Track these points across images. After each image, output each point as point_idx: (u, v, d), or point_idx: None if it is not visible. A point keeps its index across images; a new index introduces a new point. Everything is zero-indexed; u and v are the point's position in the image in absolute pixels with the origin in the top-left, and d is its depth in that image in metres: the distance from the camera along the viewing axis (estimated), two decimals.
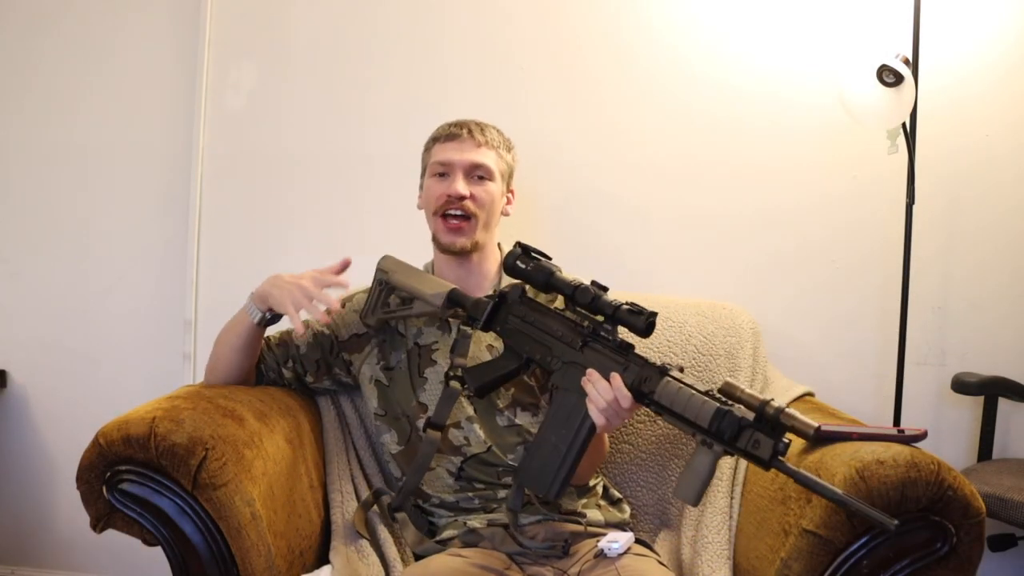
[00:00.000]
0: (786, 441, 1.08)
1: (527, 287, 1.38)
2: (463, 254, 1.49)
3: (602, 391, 1.19)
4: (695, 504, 1.13)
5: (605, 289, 1.27)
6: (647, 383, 1.18)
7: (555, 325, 1.31)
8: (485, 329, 1.37)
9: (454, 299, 1.40)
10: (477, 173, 1.49)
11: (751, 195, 1.96)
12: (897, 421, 1.81)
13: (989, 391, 1.85)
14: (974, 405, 1.90)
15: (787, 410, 1.06)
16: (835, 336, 1.95)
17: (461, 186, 1.46)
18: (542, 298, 1.44)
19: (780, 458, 1.08)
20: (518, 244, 1.35)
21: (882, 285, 1.92)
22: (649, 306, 1.71)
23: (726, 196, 1.97)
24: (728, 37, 1.95)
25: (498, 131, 1.54)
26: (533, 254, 1.34)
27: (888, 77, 1.70)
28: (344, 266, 1.44)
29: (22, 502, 2.21)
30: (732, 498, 1.46)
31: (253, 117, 2.11)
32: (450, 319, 1.48)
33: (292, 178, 2.10)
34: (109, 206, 2.16)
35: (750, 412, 1.10)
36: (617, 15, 1.99)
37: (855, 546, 1.13)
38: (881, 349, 1.92)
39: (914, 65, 1.77)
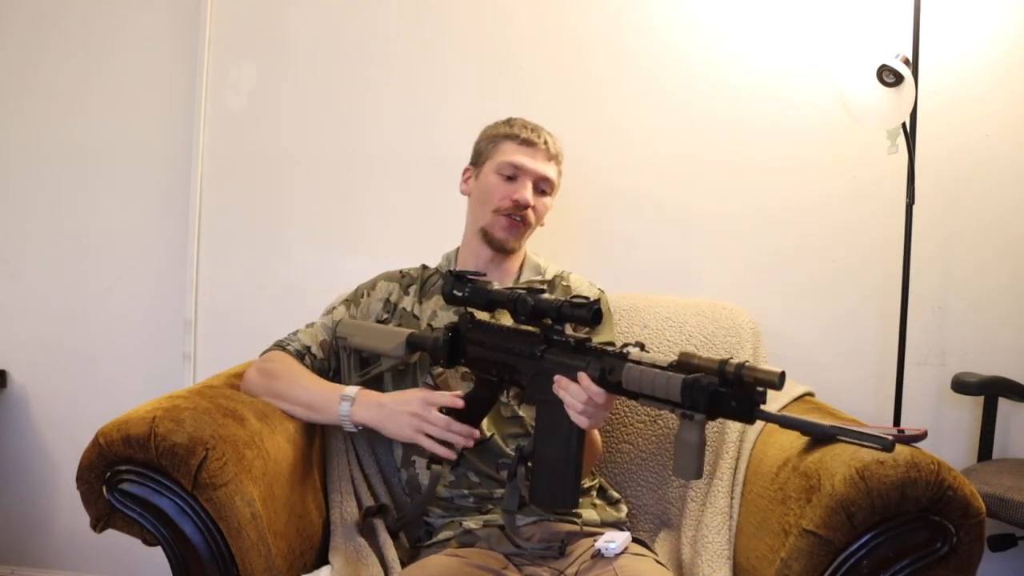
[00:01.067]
0: (760, 390, 1.03)
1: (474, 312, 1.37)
2: (509, 252, 1.53)
3: (574, 394, 1.17)
4: (698, 477, 1.09)
5: (542, 291, 1.24)
6: (612, 373, 1.14)
7: (511, 342, 1.29)
8: (450, 366, 1.38)
9: (413, 343, 1.42)
10: (542, 186, 1.53)
11: (751, 195, 1.96)
12: (897, 421, 1.81)
13: (989, 391, 1.85)
14: (974, 405, 1.90)
15: (747, 364, 1.01)
16: (835, 336, 1.95)
17: (531, 195, 1.50)
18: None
19: (761, 407, 1.03)
20: (450, 272, 1.34)
21: (882, 285, 1.92)
22: (649, 306, 1.74)
23: (726, 196, 1.97)
24: (728, 37, 1.95)
25: (560, 145, 1.58)
26: (468, 278, 1.33)
27: (888, 77, 1.70)
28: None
29: (22, 502, 2.21)
30: (732, 498, 1.46)
31: (253, 117, 2.11)
32: (455, 292, 1.43)
33: (292, 178, 2.10)
34: (109, 206, 2.16)
35: (714, 376, 1.06)
36: (617, 15, 1.99)
37: (855, 546, 1.13)
38: (881, 349, 1.93)
39: (914, 65, 1.77)
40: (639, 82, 1.99)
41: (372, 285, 1.59)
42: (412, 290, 1.57)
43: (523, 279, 1.57)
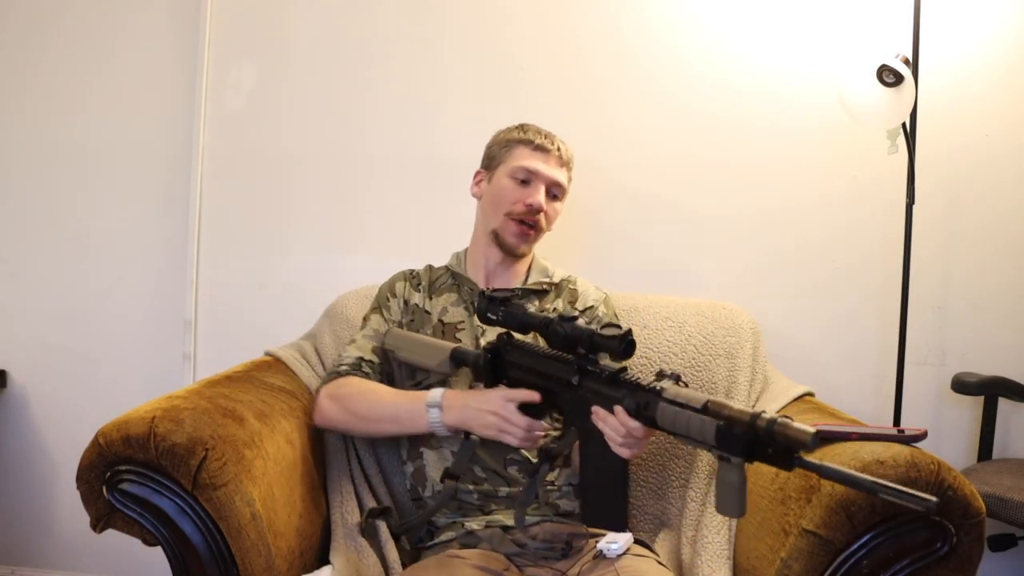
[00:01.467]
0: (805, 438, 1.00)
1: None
2: (519, 257, 1.56)
3: (613, 427, 1.17)
4: (742, 515, 1.07)
5: (575, 318, 1.24)
6: (647, 409, 1.14)
7: (548, 368, 1.30)
8: (492, 385, 1.38)
9: (458, 358, 1.42)
10: (554, 191, 1.55)
11: (751, 195, 1.96)
12: (897, 421, 1.81)
13: (989, 391, 1.85)
14: (974, 405, 1.90)
15: (779, 421, 0.98)
16: (835, 336, 1.95)
17: (544, 200, 1.52)
18: None
19: (800, 455, 1.00)
20: (482, 293, 1.35)
21: (882, 285, 1.92)
22: (649, 306, 1.74)
23: (726, 196, 1.97)
24: (728, 37, 1.95)
25: (570, 150, 1.60)
26: (500, 299, 1.34)
27: (888, 77, 1.70)
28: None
29: (22, 502, 2.21)
30: None
31: (253, 117, 2.11)
32: (470, 289, 1.51)
33: (292, 178, 2.10)
34: (109, 206, 2.16)
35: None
36: (617, 15, 1.99)
37: (855, 546, 1.13)
38: (881, 349, 1.92)
39: (914, 65, 1.77)
40: (639, 82, 1.99)
41: (392, 287, 1.61)
42: (421, 287, 1.59)
43: (531, 281, 1.59)
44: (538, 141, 1.54)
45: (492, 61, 2.03)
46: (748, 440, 1.02)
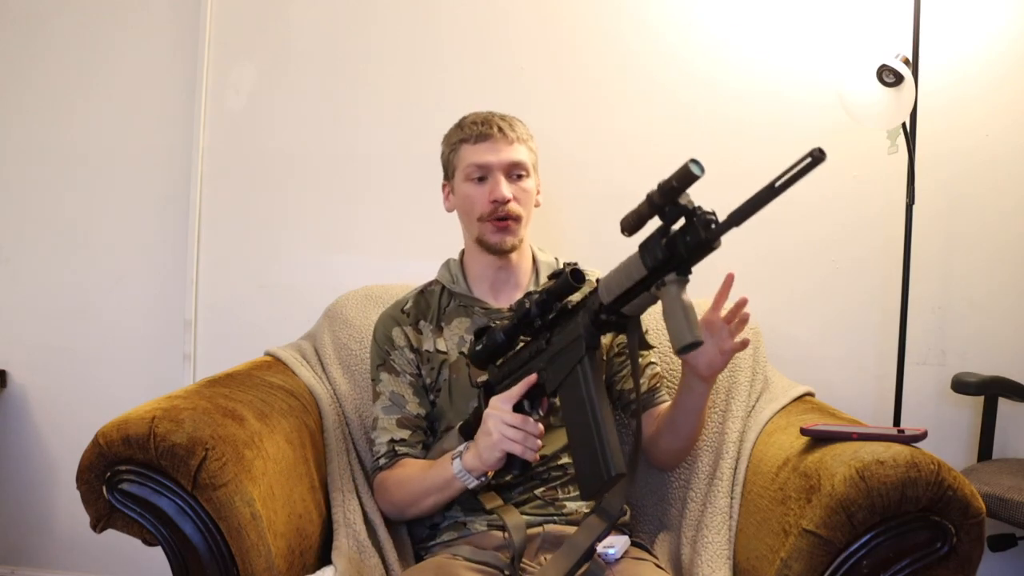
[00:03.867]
0: (707, 212, 1.10)
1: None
2: (509, 252, 1.48)
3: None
4: (697, 339, 1.01)
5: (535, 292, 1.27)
6: (599, 306, 1.15)
7: (524, 352, 1.29)
8: None
9: (466, 431, 1.38)
10: (516, 172, 1.46)
11: (751, 195, 1.96)
12: (897, 421, 1.81)
13: (989, 391, 1.84)
14: (974, 405, 1.90)
15: (661, 183, 1.03)
16: (835, 336, 1.95)
17: (506, 189, 1.44)
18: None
19: (714, 223, 1.08)
20: (462, 354, 1.39)
21: (882, 285, 1.92)
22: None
23: (726, 196, 1.96)
24: (728, 37, 1.95)
25: (520, 122, 1.51)
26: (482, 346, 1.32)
27: (888, 77, 1.70)
28: None
29: (22, 502, 2.21)
30: (732, 498, 1.46)
31: (253, 117, 2.11)
32: (481, 309, 1.49)
33: (292, 178, 2.10)
34: (109, 206, 2.16)
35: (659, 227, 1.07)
36: (617, 15, 1.99)
37: (855, 546, 1.13)
38: (881, 349, 1.92)
39: (914, 65, 1.77)
40: (639, 82, 1.99)
41: (388, 338, 1.50)
42: (423, 326, 1.50)
43: (541, 281, 1.53)
44: (476, 132, 1.45)
45: (492, 61, 2.03)
46: (668, 240, 1.09)
